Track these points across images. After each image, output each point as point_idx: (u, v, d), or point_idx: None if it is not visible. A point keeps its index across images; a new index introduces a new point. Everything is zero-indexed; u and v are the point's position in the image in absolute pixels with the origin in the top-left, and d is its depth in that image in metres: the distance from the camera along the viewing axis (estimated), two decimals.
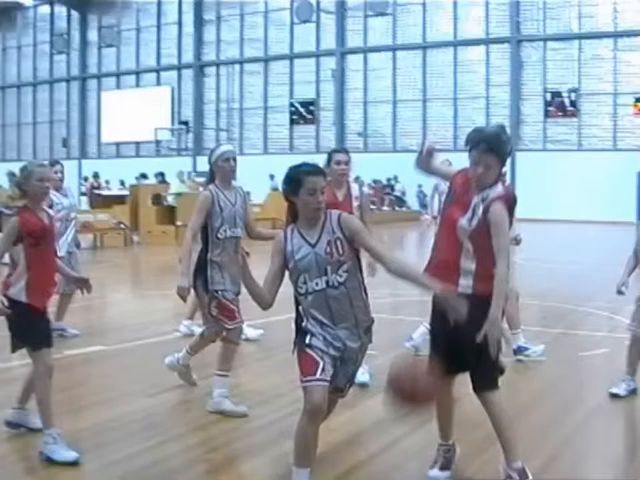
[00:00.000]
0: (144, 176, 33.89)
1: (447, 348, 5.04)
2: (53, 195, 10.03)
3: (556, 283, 15.91)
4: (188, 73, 52.16)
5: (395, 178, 43.72)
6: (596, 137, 41.42)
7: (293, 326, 5.03)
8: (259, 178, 38.62)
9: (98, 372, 8.70)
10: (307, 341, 4.85)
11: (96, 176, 41.79)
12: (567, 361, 8.88)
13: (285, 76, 49.09)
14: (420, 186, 43.42)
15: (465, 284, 4.98)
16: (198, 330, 9.63)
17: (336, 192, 7.87)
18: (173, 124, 51.74)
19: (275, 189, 32.92)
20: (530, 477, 4.93)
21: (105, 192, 32.13)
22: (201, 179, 32.60)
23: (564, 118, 42.08)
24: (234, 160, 7.14)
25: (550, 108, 42.30)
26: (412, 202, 44.39)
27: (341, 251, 4.79)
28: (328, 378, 4.75)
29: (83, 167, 51.94)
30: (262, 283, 4.97)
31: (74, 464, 5.58)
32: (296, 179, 4.83)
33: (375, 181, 41.43)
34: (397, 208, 42.59)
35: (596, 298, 12.98)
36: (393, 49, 46.10)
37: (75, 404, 7.16)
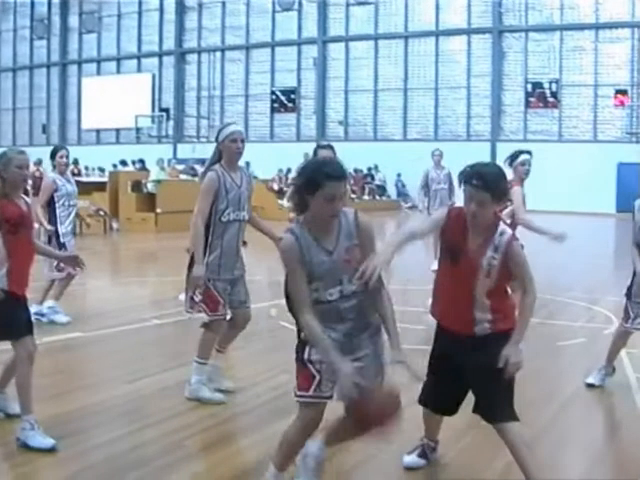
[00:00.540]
0: (124, 163, 33.78)
1: (450, 386, 4.90)
2: (58, 180, 10.15)
3: (534, 273, 15.86)
4: (169, 60, 51.95)
5: (376, 167, 43.74)
6: (576, 128, 41.54)
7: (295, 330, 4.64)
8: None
9: (77, 359, 8.68)
10: (306, 356, 4.49)
11: (76, 162, 41.57)
12: (545, 351, 8.92)
13: (266, 64, 48.94)
14: (399, 175, 43.51)
15: (482, 328, 4.77)
16: None
17: None
18: (154, 111, 51.55)
19: (254, 178, 32.82)
20: None
21: (84, 179, 31.98)
22: (181, 166, 32.63)
23: (545, 109, 42.17)
24: (242, 141, 6.89)
25: (531, 99, 42.37)
26: (391, 191, 44.47)
27: (358, 257, 4.45)
28: (325, 394, 4.47)
29: None
30: (297, 294, 4.43)
31: (51, 451, 5.57)
32: (315, 181, 4.34)
33: (356, 170, 41.43)
34: (378, 197, 42.60)
35: (574, 288, 13.05)
36: (375, 38, 46.03)
37: (54, 390, 7.15)
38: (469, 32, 43.71)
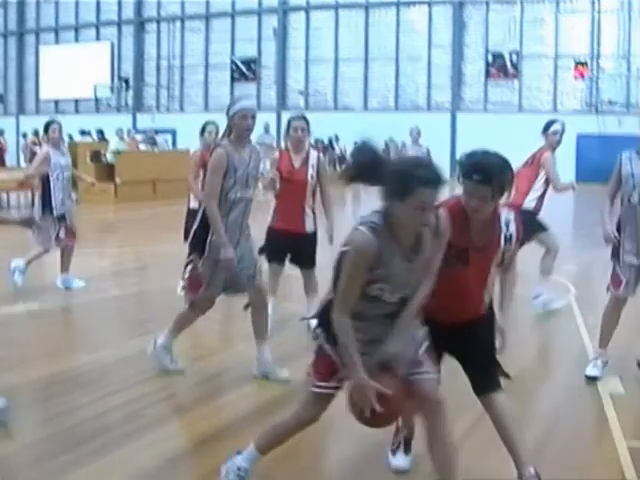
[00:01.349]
0: (84, 133, 33.42)
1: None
2: (52, 152, 10.18)
3: None
4: (128, 29, 51.38)
5: (336, 137, 43.67)
6: (537, 99, 41.75)
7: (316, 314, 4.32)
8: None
9: (37, 330, 8.63)
10: (332, 345, 4.10)
11: (36, 133, 41.11)
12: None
13: (226, 33, 48.56)
14: (356, 144, 43.47)
15: (482, 309, 4.58)
16: None
17: (293, 158, 8.06)
18: (113, 81, 51.05)
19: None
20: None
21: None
22: (140, 136, 32.34)
23: (505, 80, 42.31)
24: (253, 118, 6.48)
25: (491, 70, 42.48)
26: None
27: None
28: (341, 384, 4.13)
29: (21, 123, 51.04)
30: (346, 294, 3.97)
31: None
32: (407, 185, 3.81)
33: (316, 140, 41.37)
34: (338, 167, 42.55)
35: (532, 257, 13.10)
36: (335, 7, 45.82)
37: (14, 360, 7.12)
38: (430, 2, 43.65)
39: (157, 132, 35.92)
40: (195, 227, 6.64)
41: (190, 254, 6.65)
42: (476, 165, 4.19)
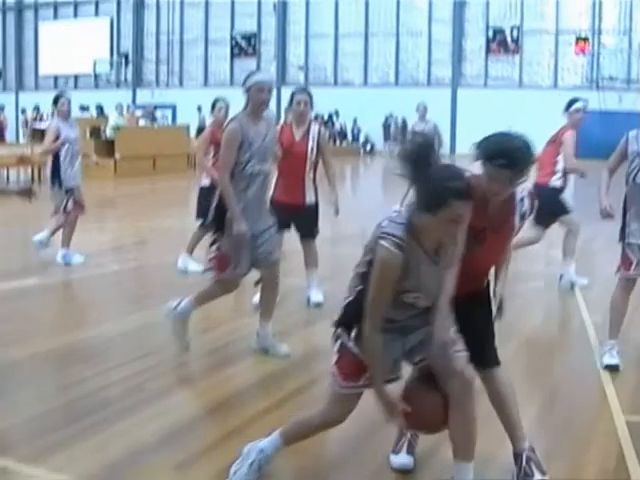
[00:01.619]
0: (85, 108, 33.33)
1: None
2: (61, 126, 10.41)
3: None
4: (127, 4, 51.15)
5: (336, 113, 43.59)
6: (537, 75, 41.64)
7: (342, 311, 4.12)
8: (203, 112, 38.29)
9: (36, 305, 8.62)
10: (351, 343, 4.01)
11: (37, 109, 41.06)
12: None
13: (226, 8, 48.37)
14: (355, 121, 43.43)
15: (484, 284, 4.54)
16: (194, 267, 9.69)
17: (295, 131, 8.08)
18: (112, 56, 50.91)
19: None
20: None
21: (43, 125, 31.55)
22: (139, 112, 32.28)
23: (506, 55, 42.20)
24: (269, 91, 6.39)
25: (492, 45, 42.35)
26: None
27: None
28: (368, 382, 4.01)
29: (20, 99, 50.94)
30: (376, 306, 3.85)
31: None
32: (440, 197, 3.67)
33: (316, 115, 41.31)
34: (338, 142, 42.53)
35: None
36: None
37: (14, 336, 7.13)
38: None
39: (156, 108, 35.89)
40: (214, 205, 6.51)
41: (213, 233, 6.58)
42: (500, 149, 4.06)
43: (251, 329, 6.97)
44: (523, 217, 4.37)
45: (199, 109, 37.80)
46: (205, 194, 9.17)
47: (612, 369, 6.39)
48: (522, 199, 4.31)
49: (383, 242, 3.75)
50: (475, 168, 4.14)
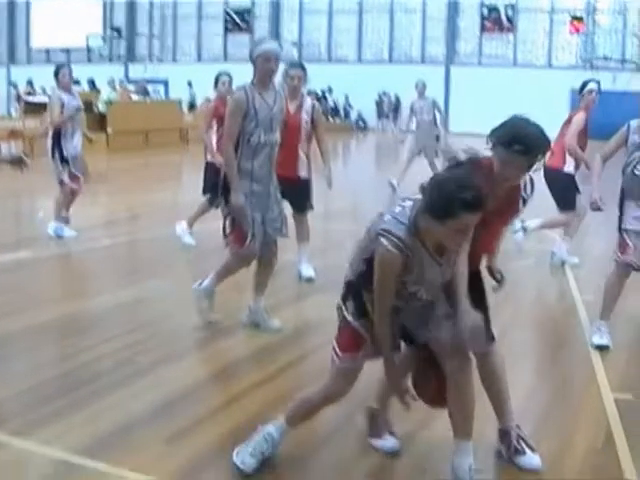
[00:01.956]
0: (77, 82, 33.19)
1: None
2: (64, 96, 10.51)
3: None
4: None
5: (329, 89, 43.48)
6: (531, 54, 41.56)
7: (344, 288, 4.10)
8: (193, 86, 38.19)
9: (28, 278, 8.61)
10: (368, 314, 3.96)
11: (30, 83, 40.82)
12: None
13: None
14: (347, 97, 43.36)
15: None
16: (188, 240, 9.83)
17: (289, 104, 8.06)
18: (105, 30, 50.58)
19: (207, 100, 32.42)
20: None
21: (35, 99, 31.39)
22: (132, 86, 32.17)
23: (500, 33, 42.08)
24: (276, 61, 6.29)
25: (486, 23, 42.22)
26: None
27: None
28: (367, 357, 4.05)
29: (12, 73, 50.65)
30: (381, 302, 3.86)
31: None
32: (450, 207, 3.56)
33: (309, 92, 41.20)
34: (331, 119, 42.42)
35: (527, 213, 13.10)
36: None
37: (5, 308, 7.13)
38: None
39: (149, 82, 35.77)
40: (222, 179, 6.45)
41: (224, 206, 6.51)
42: (517, 135, 4.03)
43: (241, 304, 6.99)
44: (525, 202, 4.36)
45: (189, 84, 37.78)
46: (212, 170, 9.16)
47: (601, 349, 6.41)
48: (525, 185, 4.31)
49: (383, 240, 3.71)
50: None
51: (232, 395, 5.31)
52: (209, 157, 9.89)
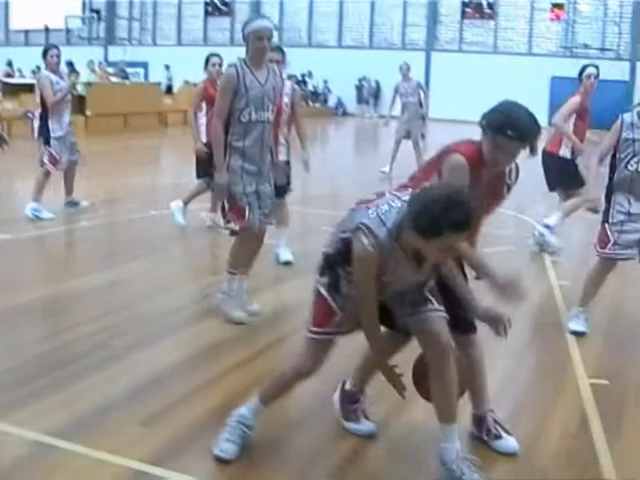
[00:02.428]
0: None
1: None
2: (52, 77, 10.58)
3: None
4: None
5: (309, 73, 43.39)
6: (512, 41, 41.60)
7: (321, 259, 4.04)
8: (172, 70, 38.04)
9: (4, 260, 8.56)
10: (341, 290, 3.94)
11: (10, 64, 40.50)
12: None
13: None
14: (325, 82, 43.29)
15: None
16: (179, 219, 9.93)
17: None
18: (84, 12, 50.20)
19: (187, 82, 32.27)
20: None
21: (13, 80, 31.18)
22: (111, 69, 32.00)
23: (481, 20, 42.09)
24: (268, 39, 6.19)
25: (467, 9, 42.22)
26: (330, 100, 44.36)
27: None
28: (338, 330, 4.02)
29: None
30: (366, 293, 3.82)
31: None
32: (436, 227, 3.46)
33: (289, 76, 41.09)
34: (311, 103, 42.34)
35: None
36: None
37: None
38: None
39: (128, 65, 35.58)
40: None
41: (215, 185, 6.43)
42: (512, 121, 4.04)
43: (217, 287, 6.97)
44: (509, 189, 4.34)
45: (167, 68, 37.58)
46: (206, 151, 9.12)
47: (578, 335, 6.45)
48: (511, 171, 4.30)
49: (362, 237, 3.65)
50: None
51: (209, 377, 5.31)
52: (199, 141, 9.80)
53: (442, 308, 4.02)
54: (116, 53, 46.96)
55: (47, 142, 10.60)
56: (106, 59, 43.23)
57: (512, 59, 40.04)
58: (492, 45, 41.88)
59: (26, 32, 52.23)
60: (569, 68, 37.28)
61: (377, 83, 41.64)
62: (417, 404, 4.34)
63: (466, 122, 36.52)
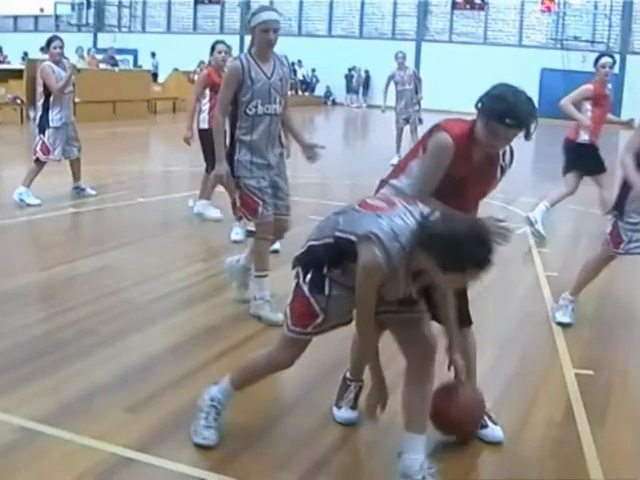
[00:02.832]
0: (42, 50, 32.82)
1: None
2: (54, 68, 10.74)
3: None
4: None
5: (299, 62, 43.29)
6: (502, 32, 41.59)
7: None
8: (162, 57, 37.96)
9: None
10: (324, 291, 3.81)
11: (0, 50, 40.31)
12: None
13: None
14: (314, 70, 43.25)
15: None
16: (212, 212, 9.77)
17: None
18: None
19: (175, 70, 32.21)
20: None
21: (2, 66, 31.05)
22: (100, 56, 31.88)
23: (471, 11, 42.07)
24: (275, 31, 6.02)
25: (458, 0, 42.19)
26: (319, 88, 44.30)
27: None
28: (324, 330, 3.91)
29: None
30: (367, 304, 3.72)
31: None
32: (460, 264, 3.41)
33: None
34: (301, 92, 42.30)
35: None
36: None
37: None
38: None
39: (118, 52, 35.44)
40: (227, 151, 6.23)
41: (234, 176, 6.25)
42: (510, 109, 3.91)
43: (206, 274, 6.98)
44: (503, 171, 4.27)
45: (153, 55, 37.43)
46: (208, 138, 9.02)
47: (564, 326, 6.47)
48: (504, 152, 4.23)
49: (374, 248, 3.52)
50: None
51: (196, 364, 5.31)
52: (202, 125, 9.72)
53: (426, 310, 3.96)
54: (105, 40, 46.80)
55: (42, 131, 10.73)
56: (95, 46, 43.04)
57: (502, 50, 40.04)
58: (482, 36, 41.87)
59: (15, 18, 52.01)
60: (559, 60, 37.61)
61: (367, 73, 41.62)
62: (400, 395, 4.35)
63: (456, 112, 36.37)
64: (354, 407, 4.59)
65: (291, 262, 3.97)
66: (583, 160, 9.61)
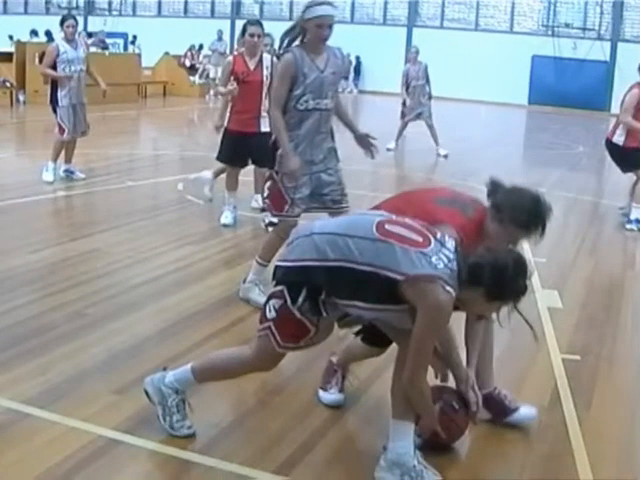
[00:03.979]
0: (34, 33, 32.69)
1: None
2: (61, 46, 11.05)
3: (443, 158, 16.12)
4: None
5: None
6: (493, 18, 41.51)
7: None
8: (152, 41, 37.81)
9: None
10: (321, 313, 3.63)
11: None
12: None
13: None
14: None
15: None
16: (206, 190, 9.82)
17: (248, 61, 8.26)
18: None
19: (166, 54, 32.10)
20: None
21: None
22: (91, 39, 31.74)
23: None
24: (330, 27, 5.84)
25: None
26: None
27: None
28: (315, 342, 3.81)
29: None
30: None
31: None
32: (506, 295, 3.62)
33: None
34: None
35: (481, 174, 13.11)
36: None
37: None
38: None
39: (108, 35, 35.31)
40: (272, 140, 6.05)
41: (268, 170, 6.16)
42: (533, 220, 4.07)
43: (195, 258, 6.98)
44: None
45: (134, 40, 37.24)
46: (228, 137, 8.86)
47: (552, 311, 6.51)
48: None
49: (447, 287, 3.43)
50: None
51: (183, 347, 5.31)
52: (223, 122, 9.08)
53: None
54: (96, 24, 46.57)
55: (55, 110, 11.08)
56: (86, 29, 42.83)
57: (493, 37, 39.95)
58: (474, 22, 41.80)
59: (4, 1, 51.69)
60: (550, 47, 37.58)
61: (358, 58, 41.54)
62: (387, 379, 4.35)
63: (447, 99, 36.68)
64: (342, 390, 4.60)
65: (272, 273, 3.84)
66: (619, 158, 10.00)
